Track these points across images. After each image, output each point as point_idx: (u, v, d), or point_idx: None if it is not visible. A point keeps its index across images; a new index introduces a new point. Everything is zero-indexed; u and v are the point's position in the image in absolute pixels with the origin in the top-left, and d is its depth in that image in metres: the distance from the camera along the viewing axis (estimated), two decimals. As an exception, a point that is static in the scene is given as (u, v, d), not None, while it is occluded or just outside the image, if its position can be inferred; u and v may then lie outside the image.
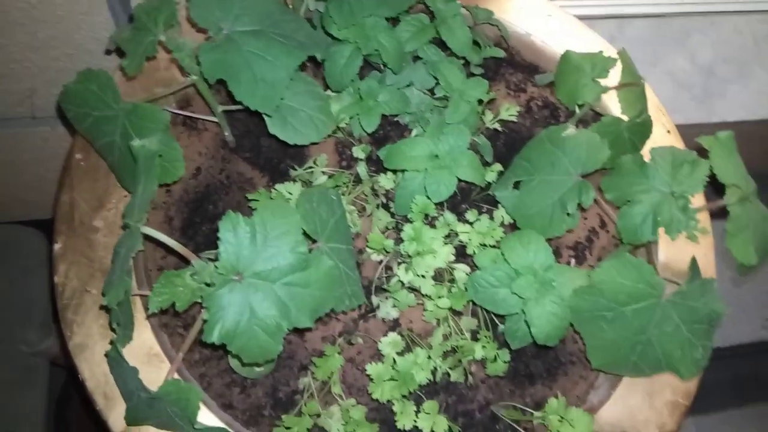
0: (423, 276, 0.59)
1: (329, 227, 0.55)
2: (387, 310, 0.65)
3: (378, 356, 0.62)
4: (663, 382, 0.62)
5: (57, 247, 0.63)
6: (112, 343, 0.49)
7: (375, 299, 0.66)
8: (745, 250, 0.52)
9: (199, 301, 0.47)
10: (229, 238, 0.46)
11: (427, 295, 0.60)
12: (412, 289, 0.63)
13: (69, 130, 1.00)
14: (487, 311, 0.65)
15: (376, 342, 0.62)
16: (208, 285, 0.47)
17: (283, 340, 0.48)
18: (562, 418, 0.56)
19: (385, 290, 0.66)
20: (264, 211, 0.47)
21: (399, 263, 0.64)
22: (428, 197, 0.61)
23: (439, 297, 0.59)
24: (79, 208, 0.65)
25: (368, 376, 0.57)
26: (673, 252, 0.67)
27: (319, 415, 0.60)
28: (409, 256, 0.61)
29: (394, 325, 0.65)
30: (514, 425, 0.62)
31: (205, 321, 0.46)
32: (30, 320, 1.23)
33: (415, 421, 0.57)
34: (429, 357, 0.58)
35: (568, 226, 0.58)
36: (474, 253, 0.63)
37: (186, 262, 0.50)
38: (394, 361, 0.59)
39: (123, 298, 0.49)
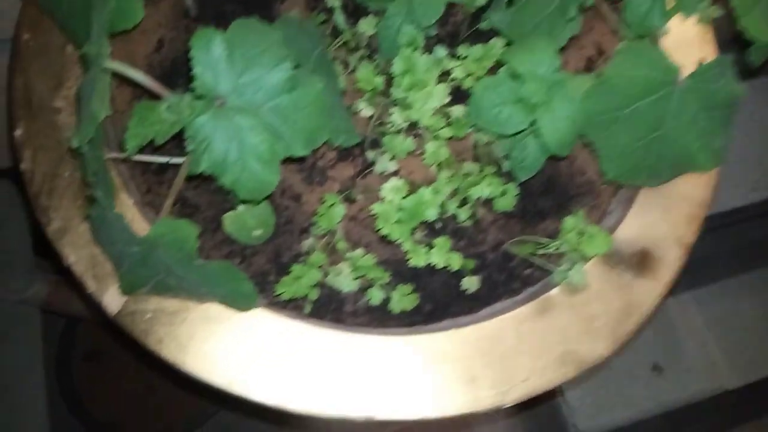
0: (420, 108, 0.55)
1: (313, 58, 0.50)
2: (384, 163, 0.61)
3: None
4: (678, 196, 0.60)
5: (18, 133, 0.58)
6: (89, 198, 0.45)
7: (370, 154, 0.62)
8: (763, 26, 0.48)
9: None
10: (203, 58, 0.41)
11: (426, 128, 0.56)
12: (410, 132, 0.59)
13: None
14: (490, 155, 0.61)
15: (377, 197, 0.58)
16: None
17: (279, 173, 0.44)
18: (581, 234, 0.54)
19: (380, 145, 0.62)
20: (239, 28, 0.42)
21: (391, 114, 0.60)
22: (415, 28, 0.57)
23: (440, 128, 0.55)
24: (35, 90, 0.59)
25: (373, 215, 0.54)
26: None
27: (327, 274, 0.57)
28: (403, 94, 0.56)
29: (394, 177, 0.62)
30: (529, 259, 0.60)
31: (191, 152, 0.41)
32: (12, 268, 1.18)
33: (427, 261, 0.54)
34: (436, 193, 0.55)
35: (571, 32, 0.54)
36: (470, 87, 0.59)
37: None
38: (398, 206, 0.55)
39: (98, 154, 0.44)
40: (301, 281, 0.52)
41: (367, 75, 0.56)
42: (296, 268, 0.53)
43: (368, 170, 0.62)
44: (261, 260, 0.59)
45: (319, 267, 0.55)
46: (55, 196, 0.56)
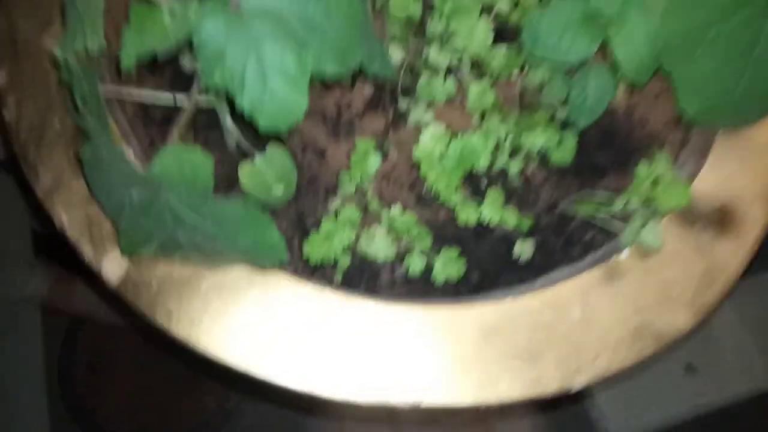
0: (465, 37, 0.47)
1: (342, -26, 0.42)
2: (419, 113, 0.54)
3: (417, 167, 0.51)
4: (759, 145, 0.52)
5: (1, 78, 0.51)
6: (82, 132, 0.37)
7: (403, 103, 0.55)
8: None
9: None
10: (215, -50, 0.34)
11: (472, 63, 0.48)
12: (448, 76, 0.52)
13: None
14: (540, 103, 0.53)
15: (412, 151, 0.51)
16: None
17: (308, 94, 0.36)
18: (656, 184, 0.46)
19: (413, 92, 0.54)
20: None
21: (425, 58, 0.52)
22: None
23: (491, 60, 0.47)
24: (20, 29, 0.52)
25: (412, 166, 0.46)
26: None
27: (358, 239, 0.49)
28: (444, 24, 0.49)
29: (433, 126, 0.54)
30: (590, 221, 0.52)
31: (200, 68, 0.34)
32: (12, 262, 1.13)
33: (478, 217, 0.46)
34: (486, 138, 0.47)
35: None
36: (518, 22, 0.51)
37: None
38: (441, 155, 0.48)
39: (88, 73, 0.36)
40: (332, 241, 0.44)
41: (402, 0, 0.49)
42: (326, 224, 0.45)
43: (401, 119, 0.55)
44: (283, 224, 0.51)
45: (352, 226, 0.47)
46: (44, 148, 0.49)
